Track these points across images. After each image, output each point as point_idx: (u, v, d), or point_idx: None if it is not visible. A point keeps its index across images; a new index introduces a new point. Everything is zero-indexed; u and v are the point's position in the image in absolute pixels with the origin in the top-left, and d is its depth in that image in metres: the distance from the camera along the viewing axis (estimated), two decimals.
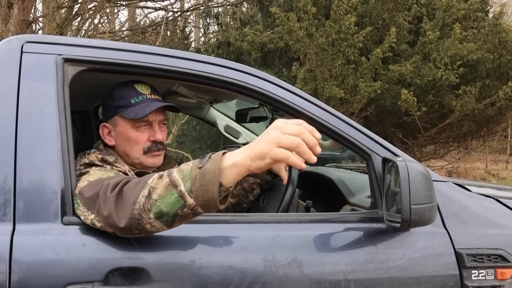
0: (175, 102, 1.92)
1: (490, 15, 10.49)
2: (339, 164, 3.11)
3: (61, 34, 6.85)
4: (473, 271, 1.49)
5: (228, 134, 3.03)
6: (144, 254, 1.27)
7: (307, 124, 1.16)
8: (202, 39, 14.67)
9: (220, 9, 13.54)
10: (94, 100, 2.34)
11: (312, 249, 1.41)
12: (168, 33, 11.32)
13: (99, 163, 1.44)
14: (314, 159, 1.14)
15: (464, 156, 13.16)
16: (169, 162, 1.71)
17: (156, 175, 1.17)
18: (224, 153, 1.13)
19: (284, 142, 1.08)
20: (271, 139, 1.09)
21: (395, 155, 1.57)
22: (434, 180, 1.44)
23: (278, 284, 1.33)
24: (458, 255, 1.50)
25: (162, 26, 8.56)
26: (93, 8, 7.42)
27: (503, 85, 8.44)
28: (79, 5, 7.45)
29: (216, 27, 14.35)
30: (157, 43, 7.84)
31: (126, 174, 1.45)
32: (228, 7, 12.43)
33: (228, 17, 13.27)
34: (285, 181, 1.60)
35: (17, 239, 1.21)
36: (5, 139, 1.29)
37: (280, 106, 1.57)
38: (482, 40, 8.72)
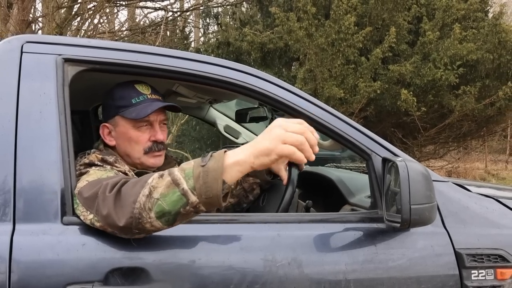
0: (175, 102, 1.92)
1: (490, 15, 10.50)
2: (339, 164, 3.11)
3: (61, 34, 6.85)
4: (472, 271, 1.49)
5: (228, 134, 3.03)
6: (144, 254, 1.27)
7: (307, 124, 1.22)
8: (202, 39, 14.68)
9: (219, 9, 13.54)
10: (94, 100, 2.34)
11: (312, 249, 1.41)
12: (168, 33, 11.32)
13: (99, 163, 1.44)
14: (313, 157, 1.21)
15: (463, 156, 13.17)
16: (169, 162, 1.71)
17: (156, 174, 1.18)
18: (225, 152, 1.17)
19: (288, 139, 1.16)
20: (276, 136, 1.16)
21: (395, 155, 1.57)
22: (434, 180, 1.44)
23: (278, 284, 1.33)
24: (458, 255, 1.50)
25: (162, 26, 8.56)
26: (93, 8, 7.42)
27: (502, 85, 8.44)
28: (79, 5, 7.45)
29: (215, 27, 14.35)
30: (157, 43, 7.84)
31: (126, 174, 1.46)
32: (228, 7, 12.43)
33: (228, 17, 13.27)
34: (284, 181, 1.60)
35: (17, 239, 1.21)
36: (5, 139, 1.29)
37: (280, 106, 1.57)
38: (482, 40, 8.72)
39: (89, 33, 7.67)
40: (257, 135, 2.94)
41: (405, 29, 8.89)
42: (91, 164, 1.43)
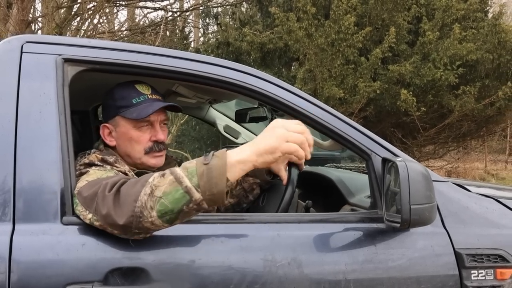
0: (175, 102, 1.92)
1: (490, 15, 10.51)
2: (338, 164, 3.11)
3: (61, 34, 6.85)
4: (472, 271, 1.49)
5: (228, 134, 3.03)
6: (144, 254, 1.27)
7: (304, 125, 1.31)
8: (202, 39, 14.66)
9: (219, 9, 13.54)
10: (94, 100, 2.34)
11: (311, 249, 1.41)
12: (168, 33, 11.32)
13: (99, 163, 1.44)
14: (309, 156, 1.32)
15: (463, 156, 13.18)
16: (169, 162, 1.71)
17: (157, 174, 1.19)
18: (226, 151, 1.20)
19: (291, 138, 1.25)
20: (280, 135, 1.25)
21: (395, 155, 1.57)
22: (433, 180, 1.44)
23: (278, 284, 1.33)
24: (457, 255, 1.50)
25: (162, 26, 8.56)
26: (93, 8, 7.42)
27: (502, 85, 8.44)
28: (79, 5, 7.44)
29: (215, 27, 14.35)
30: (157, 43, 7.84)
31: (126, 174, 1.46)
32: (228, 7, 12.43)
33: (228, 17, 13.27)
34: (284, 181, 1.60)
35: (16, 239, 1.21)
36: (5, 139, 1.29)
37: (280, 106, 1.57)
38: (482, 40, 8.72)
39: (88, 33, 7.67)
40: (257, 135, 2.95)
41: (405, 29, 8.89)
42: (91, 164, 1.43)
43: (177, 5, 10.05)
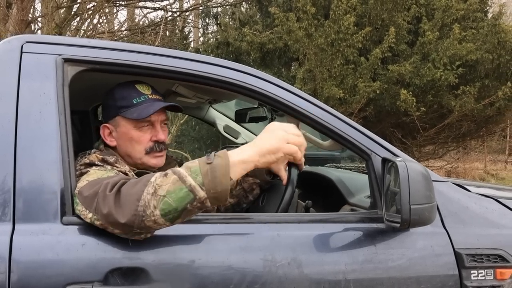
0: (174, 102, 1.92)
1: (489, 15, 10.51)
2: (338, 164, 3.11)
3: (60, 34, 6.85)
4: (472, 271, 1.49)
5: (227, 134, 3.03)
6: (144, 254, 1.27)
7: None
8: (201, 39, 14.66)
9: (219, 9, 13.54)
10: (94, 100, 2.34)
11: (311, 249, 1.41)
12: (167, 33, 11.32)
13: (99, 163, 1.44)
14: (303, 159, 1.43)
15: (463, 156, 13.18)
16: (170, 162, 1.71)
17: (158, 174, 1.21)
18: (227, 151, 1.25)
19: (292, 140, 1.34)
20: (281, 136, 1.33)
21: (395, 155, 1.57)
22: (433, 180, 1.44)
23: (278, 284, 1.33)
24: (457, 255, 1.50)
25: (161, 26, 8.56)
26: (92, 8, 7.42)
27: (502, 85, 8.44)
28: (78, 5, 7.44)
29: (215, 27, 14.35)
30: (156, 43, 7.84)
31: (126, 174, 1.46)
32: (227, 7, 12.43)
33: (227, 17, 13.27)
34: (284, 181, 1.60)
35: (16, 239, 1.21)
36: (5, 139, 1.29)
37: (280, 106, 1.57)
38: (481, 40, 8.73)
39: (88, 33, 7.67)
40: (257, 135, 2.95)
41: (405, 29, 8.89)
42: (91, 164, 1.43)
43: (176, 5, 10.07)
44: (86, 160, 1.44)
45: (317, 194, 2.14)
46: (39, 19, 8.28)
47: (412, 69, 8.41)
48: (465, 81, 8.81)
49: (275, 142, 1.32)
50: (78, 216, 1.27)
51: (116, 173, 1.41)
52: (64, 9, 7.69)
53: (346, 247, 1.45)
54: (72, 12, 7.61)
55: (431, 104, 8.84)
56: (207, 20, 14.56)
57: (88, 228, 1.26)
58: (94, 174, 1.35)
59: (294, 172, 1.59)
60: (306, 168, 2.23)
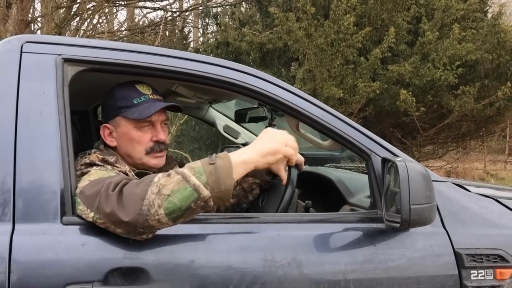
0: (174, 102, 1.92)
1: (489, 15, 10.51)
2: (338, 164, 3.11)
3: (60, 34, 6.85)
4: (472, 271, 1.49)
5: (227, 134, 3.03)
6: (144, 254, 1.27)
7: None
8: (201, 39, 14.67)
9: (219, 9, 13.53)
10: (94, 100, 2.34)
11: (311, 249, 1.41)
12: (167, 33, 11.32)
13: (99, 163, 1.44)
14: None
15: (462, 156, 13.18)
16: (170, 162, 1.72)
17: (161, 174, 1.23)
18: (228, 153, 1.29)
19: (289, 144, 1.43)
20: (281, 139, 1.41)
21: (395, 155, 1.57)
22: (433, 180, 1.44)
23: (278, 284, 1.33)
24: (457, 255, 1.50)
25: (161, 26, 8.55)
26: (92, 8, 7.42)
27: (501, 86, 8.45)
28: (78, 5, 7.44)
29: (215, 27, 14.34)
30: (156, 43, 7.84)
31: (126, 174, 1.46)
32: (227, 7, 12.43)
33: (227, 17, 13.26)
34: (284, 181, 1.60)
35: (16, 239, 1.21)
36: (5, 139, 1.29)
37: (280, 106, 1.57)
38: (481, 40, 8.73)
39: (88, 33, 7.67)
40: (256, 135, 2.95)
41: (404, 29, 8.90)
42: (92, 164, 1.43)
43: (176, 5, 10.07)
44: (87, 160, 1.44)
45: (317, 194, 2.14)
46: (39, 19, 8.28)
47: (412, 69, 8.42)
48: (465, 81, 8.81)
49: (275, 144, 1.39)
50: (79, 216, 1.27)
51: (116, 173, 1.41)
52: (64, 9, 7.70)
53: (346, 247, 1.45)
54: (72, 12, 7.61)
55: (430, 104, 8.85)
56: (206, 20, 14.56)
57: (88, 228, 1.26)
58: (95, 174, 1.35)
59: (294, 172, 1.59)
60: (306, 168, 2.23)
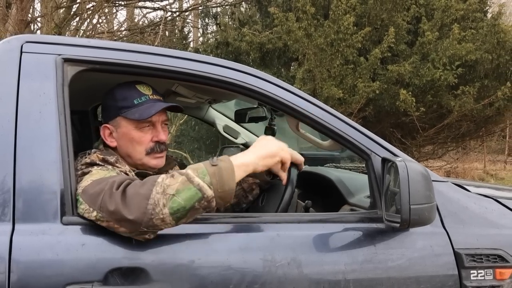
0: (174, 103, 1.92)
1: (489, 15, 10.52)
2: (338, 164, 3.11)
3: (60, 34, 6.85)
4: (472, 271, 1.49)
5: (227, 134, 3.03)
6: (144, 254, 1.27)
7: None
8: (201, 39, 14.67)
9: (218, 9, 13.54)
10: (94, 100, 2.34)
11: (311, 249, 1.41)
12: (167, 33, 11.32)
13: (100, 163, 1.44)
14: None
15: (462, 156, 13.18)
16: (170, 162, 1.72)
17: (164, 175, 1.26)
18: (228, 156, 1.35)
19: (285, 149, 1.53)
20: (278, 144, 1.50)
21: (395, 155, 1.57)
22: (433, 180, 1.44)
23: (277, 284, 1.33)
24: (457, 255, 1.50)
25: (161, 26, 8.55)
26: (92, 8, 7.42)
27: (501, 86, 8.46)
28: (78, 5, 7.44)
29: (214, 27, 14.34)
30: (156, 43, 7.84)
31: (127, 174, 1.46)
32: (227, 7, 12.43)
33: (227, 17, 13.27)
34: (284, 181, 1.60)
35: (16, 239, 1.21)
36: (5, 139, 1.29)
37: (279, 106, 1.57)
38: (481, 40, 8.74)
39: (88, 33, 7.66)
40: (256, 135, 2.96)
41: (404, 29, 8.90)
42: (92, 164, 1.43)
43: (176, 5, 10.07)
44: (87, 160, 1.44)
45: (317, 194, 2.14)
46: (39, 19, 8.28)
47: (412, 69, 8.42)
48: (465, 81, 8.82)
49: (274, 147, 1.48)
50: (81, 216, 1.27)
51: (118, 172, 1.41)
52: (64, 9, 7.70)
53: (346, 247, 1.45)
54: (72, 12, 7.61)
55: (430, 104, 8.85)
56: (206, 20, 14.57)
57: (88, 228, 1.26)
58: (97, 173, 1.35)
59: (294, 172, 1.59)
60: (306, 168, 2.24)
